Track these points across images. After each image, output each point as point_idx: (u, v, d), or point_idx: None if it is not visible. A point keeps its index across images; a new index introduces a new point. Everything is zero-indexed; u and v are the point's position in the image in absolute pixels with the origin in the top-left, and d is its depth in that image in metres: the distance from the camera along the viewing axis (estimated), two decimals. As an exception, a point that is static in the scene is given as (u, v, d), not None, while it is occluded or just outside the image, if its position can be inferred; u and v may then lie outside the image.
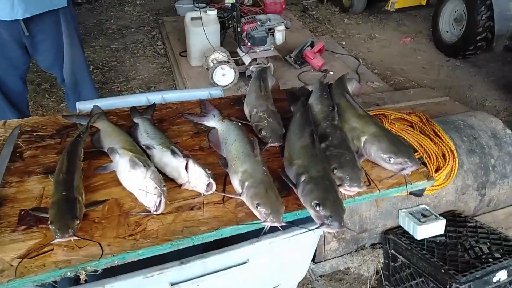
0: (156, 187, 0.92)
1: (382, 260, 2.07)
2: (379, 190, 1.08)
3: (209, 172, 0.99)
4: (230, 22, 3.68)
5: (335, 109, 1.23)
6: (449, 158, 1.91)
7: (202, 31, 3.41)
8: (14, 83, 2.29)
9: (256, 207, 0.92)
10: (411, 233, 1.91)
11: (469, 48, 4.01)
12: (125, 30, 4.86)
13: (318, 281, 2.05)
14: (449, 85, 3.82)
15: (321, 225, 0.92)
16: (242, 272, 1.01)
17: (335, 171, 1.03)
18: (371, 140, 1.14)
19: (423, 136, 1.95)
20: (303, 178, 0.99)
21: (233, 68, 3.34)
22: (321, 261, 2.02)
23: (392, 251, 1.98)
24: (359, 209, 1.94)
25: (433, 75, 4.00)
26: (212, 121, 1.26)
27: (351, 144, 1.14)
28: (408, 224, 1.93)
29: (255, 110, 1.27)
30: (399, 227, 2.01)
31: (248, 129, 1.23)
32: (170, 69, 4.01)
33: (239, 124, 1.21)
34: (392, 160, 1.10)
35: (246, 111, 1.33)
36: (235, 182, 1.02)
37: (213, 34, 3.49)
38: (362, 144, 1.15)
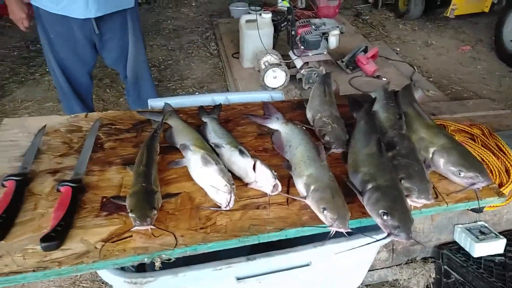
0: (226, 185, 0.96)
1: (433, 275, 2.00)
2: (447, 204, 1.05)
3: (275, 173, 1.02)
4: (283, 25, 3.71)
5: (403, 117, 1.21)
6: (513, 175, 1.81)
7: (256, 34, 3.46)
8: (82, 77, 2.44)
9: (322, 211, 0.93)
10: (467, 249, 1.84)
11: (536, 59, 3.78)
12: (181, 31, 5.03)
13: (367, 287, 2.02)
14: (511, 97, 3.62)
15: (388, 235, 0.92)
16: (303, 274, 1.03)
17: (402, 181, 1.02)
18: (440, 152, 1.11)
19: (485, 150, 1.86)
20: (370, 186, 0.99)
21: (284, 71, 3.36)
22: (370, 270, 1.99)
23: (446, 266, 1.91)
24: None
25: (494, 86, 3.80)
26: (276, 124, 1.29)
27: (419, 155, 1.12)
28: (464, 240, 1.85)
29: (318, 115, 1.28)
30: (454, 242, 1.93)
31: (310, 133, 1.25)
32: (222, 69, 4.11)
33: (303, 128, 1.23)
34: (462, 174, 1.07)
35: (309, 115, 1.34)
36: (300, 185, 1.04)
37: (266, 37, 3.54)
38: (430, 156, 1.13)
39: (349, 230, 0.92)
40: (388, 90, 1.41)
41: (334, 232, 0.93)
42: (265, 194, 1.03)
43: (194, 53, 4.47)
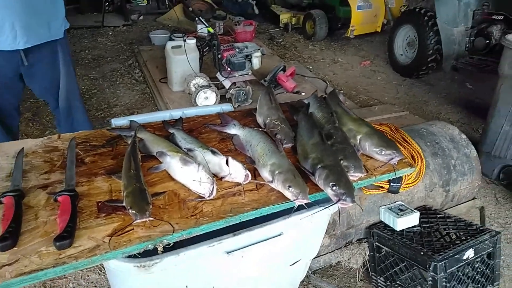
0: (208, 177, 1.15)
1: (368, 253, 2.31)
2: (375, 176, 1.36)
3: (245, 166, 1.23)
4: (206, 49, 3.97)
5: (334, 115, 1.52)
6: (418, 160, 2.23)
7: (183, 59, 3.66)
8: (9, 109, 2.34)
9: (288, 188, 1.16)
10: (391, 225, 2.17)
11: (422, 68, 4.48)
12: (101, 60, 4.98)
13: (314, 274, 2.27)
14: (407, 101, 4.27)
15: (337, 201, 1.18)
16: (277, 244, 1.24)
17: (342, 161, 1.31)
18: (365, 137, 1.44)
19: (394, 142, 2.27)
20: (319, 166, 1.25)
21: (215, 92, 3.60)
22: (316, 257, 2.24)
23: (377, 243, 2.23)
24: (346, 207, 2.20)
25: (393, 93, 4.45)
26: (234, 129, 1.50)
27: (350, 141, 1.42)
28: (388, 218, 2.20)
29: (269, 118, 1.53)
30: (381, 222, 2.27)
31: (262, 134, 1.48)
32: (150, 95, 4.18)
33: (259, 129, 1.47)
34: (383, 152, 1.40)
35: (260, 120, 1.59)
36: (265, 173, 1.26)
37: (193, 61, 3.76)
38: (358, 141, 1.44)
39: (310, 201, 1.17)
40: (318, 96, 1.72)
41: (297, 204, 1.16)
42: (238, 184, 1.23)
43: (119, 81, 4.46)
